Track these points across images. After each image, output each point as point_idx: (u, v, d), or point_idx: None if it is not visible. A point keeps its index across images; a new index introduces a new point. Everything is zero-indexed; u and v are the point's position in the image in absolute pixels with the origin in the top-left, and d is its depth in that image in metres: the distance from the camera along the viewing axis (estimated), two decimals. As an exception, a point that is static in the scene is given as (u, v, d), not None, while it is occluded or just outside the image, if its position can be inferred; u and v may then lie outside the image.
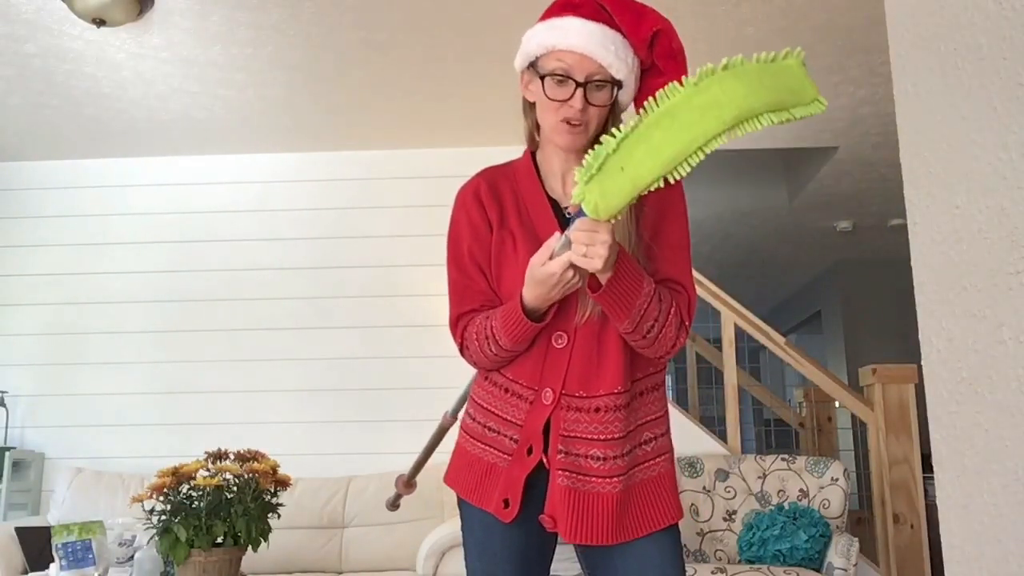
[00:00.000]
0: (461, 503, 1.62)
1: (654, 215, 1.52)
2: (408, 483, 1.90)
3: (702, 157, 1.25)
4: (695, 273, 4.45)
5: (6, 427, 4.56)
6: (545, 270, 1.39)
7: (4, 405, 4.56)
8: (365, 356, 4.60)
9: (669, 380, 10.68)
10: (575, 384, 1.49)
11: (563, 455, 1.48)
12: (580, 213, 1.33)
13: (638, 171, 1.27)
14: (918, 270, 0.96)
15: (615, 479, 1.48)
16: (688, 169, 1.26)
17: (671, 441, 1.59)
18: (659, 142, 1.25)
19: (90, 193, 4.91)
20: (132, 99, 4.20)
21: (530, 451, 1.51)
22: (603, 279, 1.39)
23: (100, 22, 3.35)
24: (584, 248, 1.32)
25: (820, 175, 5.37)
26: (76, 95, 4.14)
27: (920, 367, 0.95)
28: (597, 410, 1.49)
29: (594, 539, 1.47)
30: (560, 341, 1.52)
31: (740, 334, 4.45)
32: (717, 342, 4.64)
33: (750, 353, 7.72)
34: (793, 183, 5.91)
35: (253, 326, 4.70)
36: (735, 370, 4.41)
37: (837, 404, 4.90)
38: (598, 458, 1.48)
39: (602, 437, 1.48)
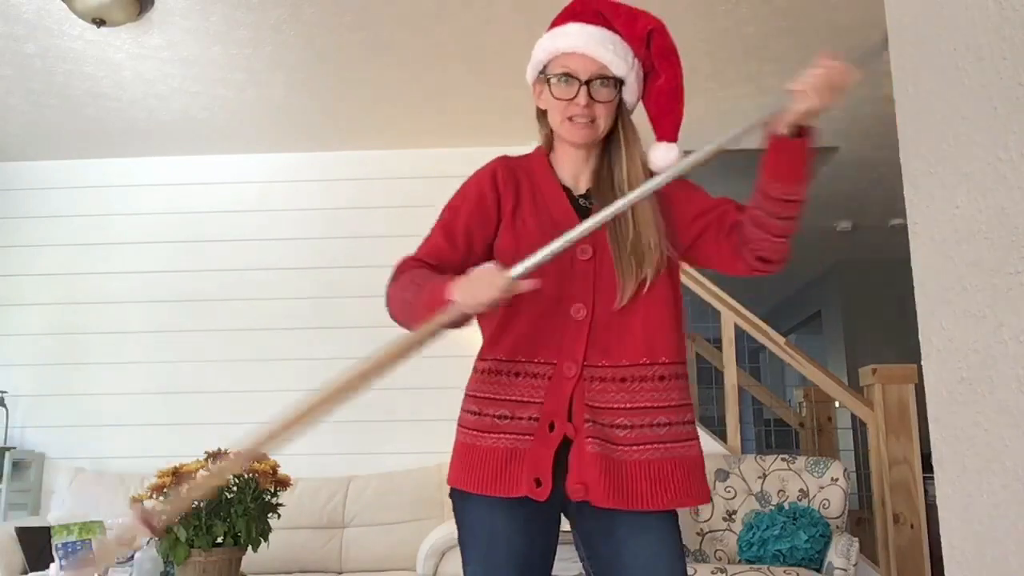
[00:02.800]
0: (467, 508, 1.60)
1: (676, 204, 1.62)
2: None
3: None
4: (693, 272, 4.46)
5: (6, 427, 4.56)
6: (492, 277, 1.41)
7: (4, 405, 4.56)
8: (365, 356, 4.59)
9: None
10: (596, 354, 1.53)
11: (590, 424, 1.51)
12: None
13: None
14: (918, 270, 0.96)
15: (641, 447, 1.51)
16: None
17: (694, 432, 1.62)
18: None
19: (90, 193, 4.91)
20: (132, 99, 4.20)
21: (552, 427, 1.53)
22: (809, 123, 1.45)
23: (100, 22, 3.35)
24: (824, 87, 1.40)
25: (820, 175, 5.37)
26: (76, 95, 4.14)
27: (920, 367, 0.95)
28: (623, 380, 1.53)
29: (627, 503, 1.49)
30: (579, 313, 1.55)
31: (740, 334, 4.45)
32: (717, 342, 4.64)
33: (750, 353, 7.71)
34: (793, 183, 5.90)
35: (253, 326, 4.70)
36: (735, 370, 4.41)
37: (837, 404, 4.90)
38: (624, 427, 1.52)
39: (628, 406, 1.52)
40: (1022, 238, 0.79)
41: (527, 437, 1.53)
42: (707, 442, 4.31)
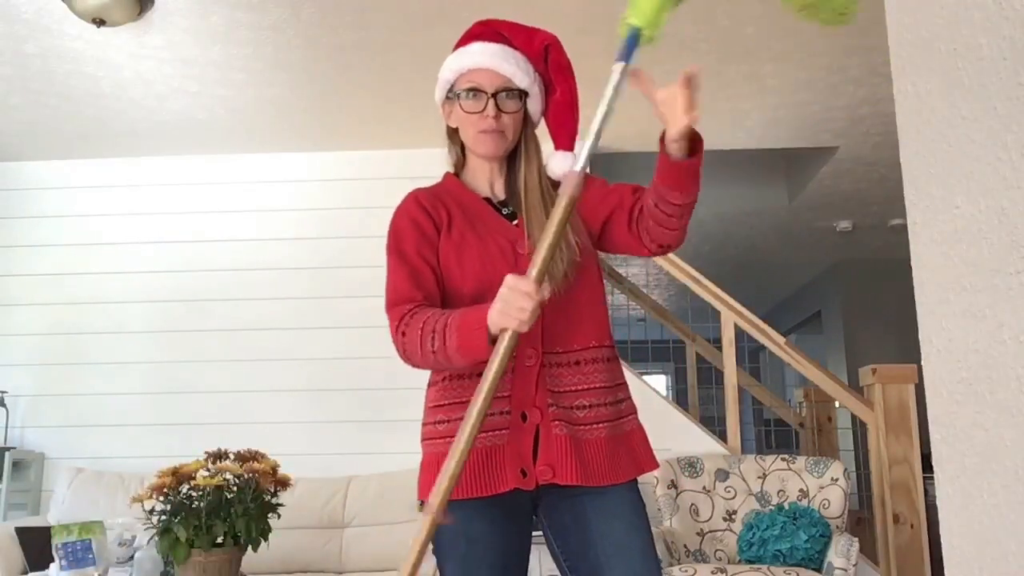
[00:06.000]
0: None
1: (593, 212, 1.70)
2: None
3: None
4: (694, 272, 4.47)
5: (6, 427, 4.56)
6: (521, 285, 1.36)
7: (4, 405, 4.56)
8: (365, 356, 4.60)
9: (669, 380, 10.75)
10: (552, 341, 1.59)
11: (554, 408, 1.58)
12: (630, 42, 1.38)
13: None
14: (918, 270, 0.96)
15: (600, 425, 1.60)
16: None
17: (635, 406, 1.72)
18: None
19: (90, 193, 4.91)
20: (132, 99, 4.20)
21: (524, 417, 1.58)
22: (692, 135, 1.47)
23: (100, 22, 3.35)
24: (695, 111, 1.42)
25: (820, 175, 5.37)
26: (76, 95, 4.14)
27: (920, 367, 0.95)
28: (577, 363, 1.61)
29: (593, 480, 1.56)
30: None
31: (740, 334, 4.45)
32: (717, 342, 4.64)
33: (750, 353, 7.72)
34: (793, 183, 5.91)
35: (253, 326, 4.70)
36: (735, 370, 4.41)
37: (837, 404, 4.90)
38: (584, 407, 1.60)
39: (586, 387, 1.61)
40: (1022, 238, 0.79)
41: (502, 432, 1.57)
42: (707, 442, 4.31)
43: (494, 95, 1.66)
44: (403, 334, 1.57)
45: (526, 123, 1.72)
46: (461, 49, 1.74)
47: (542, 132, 1.77)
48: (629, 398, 1.69)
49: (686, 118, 1.40)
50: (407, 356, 1.59)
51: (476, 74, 1.68)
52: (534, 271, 1.39)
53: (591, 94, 1.75)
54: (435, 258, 1.64)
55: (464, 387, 1.59)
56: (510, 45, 1.70)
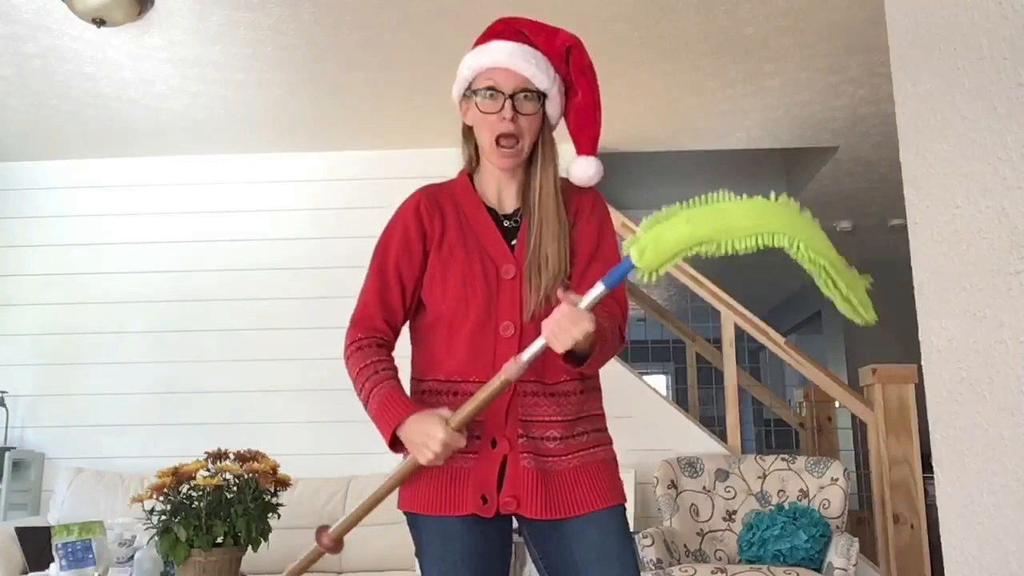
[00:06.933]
0: (418, 521, 1.62)
1: (593, 232, 1.67)
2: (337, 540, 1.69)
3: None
4: (694, 272, 4.46)
5: (6, 427, 4.56)
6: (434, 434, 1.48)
7: (4, 405, 4.56)
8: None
9: (669, 380, 10.76)
10: (530, 372, 1.53)
11: (524, 439, 1.57)
12: (624, 265, 1.40)
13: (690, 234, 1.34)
14: (918, 270, 0.96)
15: (570, 456, 1.58)
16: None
17: (610, 437, 1.69)
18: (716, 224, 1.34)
19: (90, 193, 4.91)
20: (132, 99, 4.20)
21: (494, 444, 1.57)
22: (561, 349, 1.45)
23: (100, 22, 3.35)
24: (558, 331, 1.41)
25: (820, 175, 5.37)
26: (76, 95, 4.14)
27: (920, 367, 0.95)
28: (553, 395, 1.59)
29: (559, 513, 1.55)
30: (508, 331, 1.59)
31: (740, 334, 4.45)
32: (717, 342, 4.64)
33: (750, 353, 7.71)
34: (793, 183, 5.91)
35: (253, 326, 4.70)
36: (735, 370, 4.40)
37: (837, 404, 4.90)
38: (555, 438, 1.58)
39: (558, 418, 1.58)
40: (1022, 238, 0.79)
41: (470, 455, 1.57)
42: (707, 442, 4.31)
43: (511, 96, 1.62)
44: (348, 358, 1.67)
45: (543, 126, 1.68)
46: (481, 47, 1.70)
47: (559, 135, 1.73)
48: (603, 429, 1.66)
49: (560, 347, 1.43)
50: (347, 370, 1.68)
51: (494, 73, 1.64)
52: (456, 419, 1.48)
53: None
54: (412, 272, 1.65)
55: (441, 403, 1.58)
56: (530, 44, 1.66)
